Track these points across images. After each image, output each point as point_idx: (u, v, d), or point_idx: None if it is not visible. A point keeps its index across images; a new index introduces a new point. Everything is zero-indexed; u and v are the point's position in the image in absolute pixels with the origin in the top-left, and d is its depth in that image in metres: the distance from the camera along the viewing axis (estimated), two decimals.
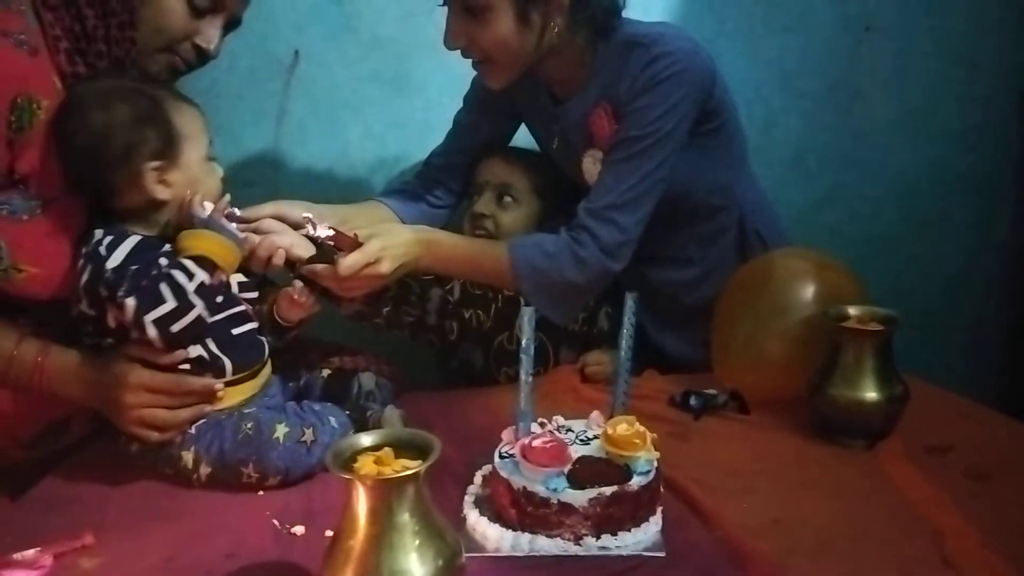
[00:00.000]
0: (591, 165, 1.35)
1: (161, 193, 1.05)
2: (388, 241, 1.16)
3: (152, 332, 0.97)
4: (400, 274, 1.21)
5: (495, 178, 1.50)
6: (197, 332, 1.02)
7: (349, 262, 1.11)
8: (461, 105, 1.54)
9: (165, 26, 1.07)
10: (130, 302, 0.96)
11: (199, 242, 1.02)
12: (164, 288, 0.97)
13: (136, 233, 1.04)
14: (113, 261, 0.99)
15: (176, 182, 1.05)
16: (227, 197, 1.11)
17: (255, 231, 1.15)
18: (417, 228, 1.29)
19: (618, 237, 1.27)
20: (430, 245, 1.23)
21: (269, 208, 1.19)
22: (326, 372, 1.22)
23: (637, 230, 1.28)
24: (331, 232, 1.12)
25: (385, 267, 1.15)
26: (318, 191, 1.69)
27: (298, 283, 1.14)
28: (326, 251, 1.13)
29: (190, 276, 0.99)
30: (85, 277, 1.00)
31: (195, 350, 1.04)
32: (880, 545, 0.90)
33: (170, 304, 0.97)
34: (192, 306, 0.98)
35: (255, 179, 1.65)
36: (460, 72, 1.64)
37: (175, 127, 1.04)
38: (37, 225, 1.02)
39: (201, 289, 0.99)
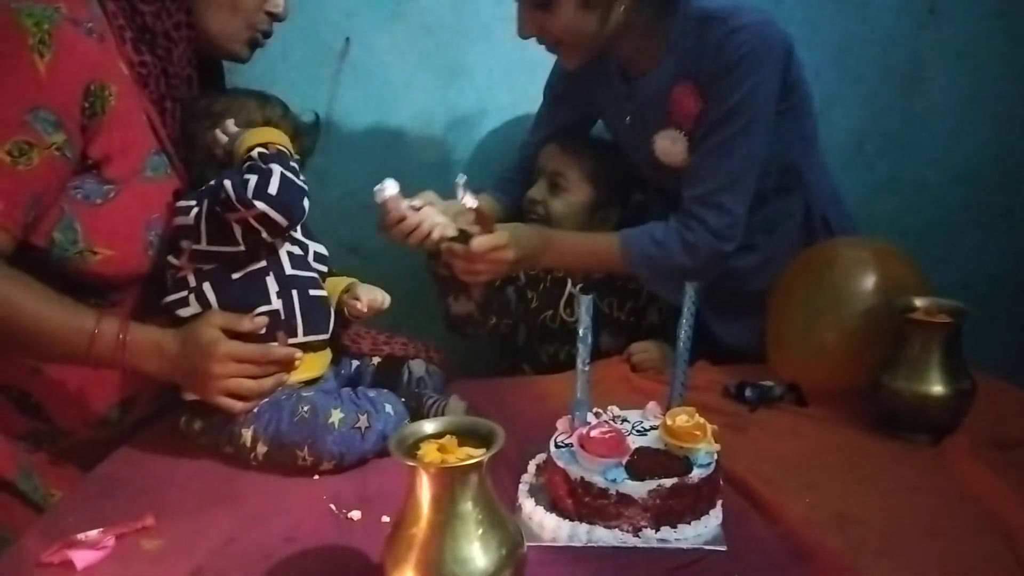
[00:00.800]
0: (668, 145, 1.35)
1: None
2: (517, 232, 1.26)
3: (261, 204, 1.01)
4: (521, 267, 1.31)
5: (549, 166, 1.52)
6: (296, 194, 1.05)
7: (481, 240, 1.21)
8: (511, 90, 1.53)
9: (239, 4, 1.11)
10: (228, 184, 1.01)
11: (245, 141, 1.08)
12: (247, 171, 1.03)
13: None
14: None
15: None
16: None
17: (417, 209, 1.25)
18: (538, 227, 1.36)
19: (726, 219, 1.29)
20: (551, 241, 1.32)
21: (429, 195, 1.30)
22: (376, 360, 1.23)
23: (743, 209, 1.30)
24: (476, 204, 1.22)
25: (511, 254, 1.23)
26: (368, 178, 1.67)
27: (362, 291, 1.17)
28: (462, 236, 1.25)
29: (251, 157, 1.06)
30: (205, 209, 1.05)
31: (276, 302, 1.08)
32: (950, 543, 0.87)
33: (255, 176, 1.01)
34: (270, 169, 1.02)
35: (305, 166, 1.66)
36: (511, 58, 1.63)
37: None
38: (111, 208, 1.04)
39: (264, 157, 1.05)
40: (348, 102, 1.66)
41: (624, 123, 1.43)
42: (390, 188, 1.22)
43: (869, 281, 1.22)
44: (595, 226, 1.49)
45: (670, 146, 1.34)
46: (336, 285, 1.19)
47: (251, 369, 1.04)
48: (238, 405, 1.04)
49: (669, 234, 1.31)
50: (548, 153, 1.52)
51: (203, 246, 1.06)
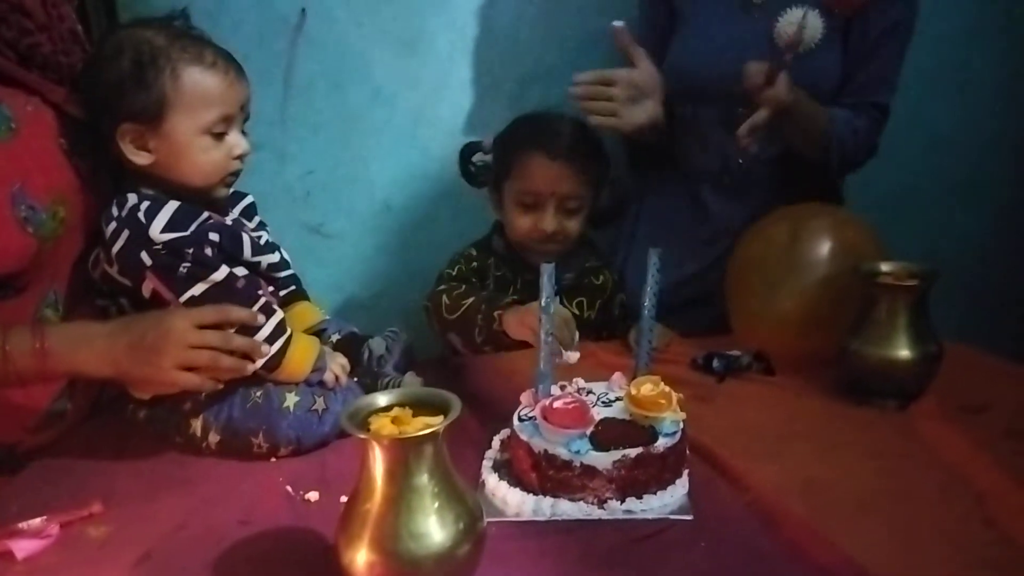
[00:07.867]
0: (814, 20, 1.24)
1: (136, 157, 0.98)
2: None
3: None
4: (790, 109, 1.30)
5: (560, 189, 1.39)
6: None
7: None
8: (474, 63, 1.46)
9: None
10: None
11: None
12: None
13: (171, 199, 0.99)
14: (155, 230, 0.95)
15: (158, 150, 0.98)
16: None
17: None
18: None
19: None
20: (799, 99, 1.30)
21: None
22: (335, 338, 1.18)
23: None
24: None
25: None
26: (327, 155, 1.65)
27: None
28: None
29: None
30: (120, 244, 0.96)
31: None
32: (920, 506, 0.86)
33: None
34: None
35: (262, 142, 1.60)
36: (471, 30, 1.59)
37: (163, 91, 0.96)
38: None
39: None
40: (305, 76, 1.61)
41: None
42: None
43: (825, 248, 1.21)
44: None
45: (814, 21, 1.24)
46: (303, 317, 1.13)
47: (211, 337, 0.93)
48: (195, 380, 0.93)
49: (867, 123, 1.40)
50: (550, 176, 1.38)
51: (115, 274, 0.98)
